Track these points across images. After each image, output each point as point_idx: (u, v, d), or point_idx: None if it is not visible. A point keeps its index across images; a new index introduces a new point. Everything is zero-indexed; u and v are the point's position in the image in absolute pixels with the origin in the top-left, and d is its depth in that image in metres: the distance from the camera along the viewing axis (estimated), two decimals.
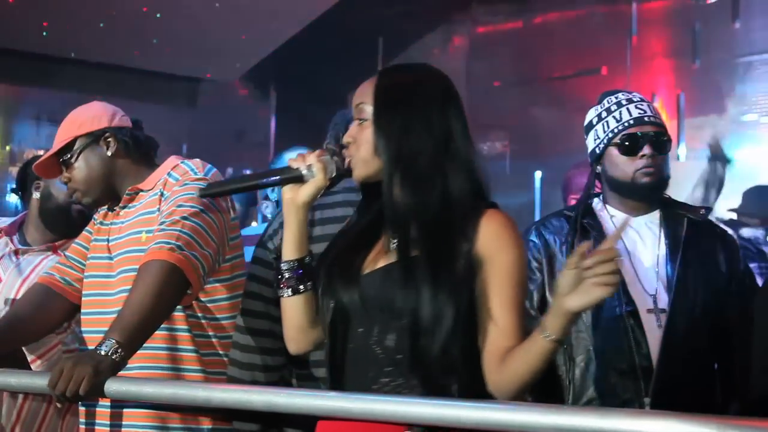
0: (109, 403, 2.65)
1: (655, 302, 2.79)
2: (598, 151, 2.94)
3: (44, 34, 8.29)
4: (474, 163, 2.19)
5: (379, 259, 2.18)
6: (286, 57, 8.94)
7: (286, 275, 2.21)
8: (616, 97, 2.96)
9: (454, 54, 8.55)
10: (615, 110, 2.92)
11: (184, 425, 2.65)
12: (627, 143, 2.84)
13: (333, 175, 2.20)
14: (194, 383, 2.58)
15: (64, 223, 3.28)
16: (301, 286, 2.21)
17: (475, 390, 2.07)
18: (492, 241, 2.11)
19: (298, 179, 2.17)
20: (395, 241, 2.15)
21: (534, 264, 2.92)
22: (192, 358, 2.66)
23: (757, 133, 7.38)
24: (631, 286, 2.79)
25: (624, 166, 2.86)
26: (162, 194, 2.68)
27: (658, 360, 2.69)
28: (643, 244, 2.90)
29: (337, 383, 2.18)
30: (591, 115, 3.00)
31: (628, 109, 2.90)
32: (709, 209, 3.18)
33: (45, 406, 3.09)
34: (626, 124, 2.86)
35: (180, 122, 8.93)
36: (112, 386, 2.29)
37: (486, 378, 2.09)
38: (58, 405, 2.64)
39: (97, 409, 2.70)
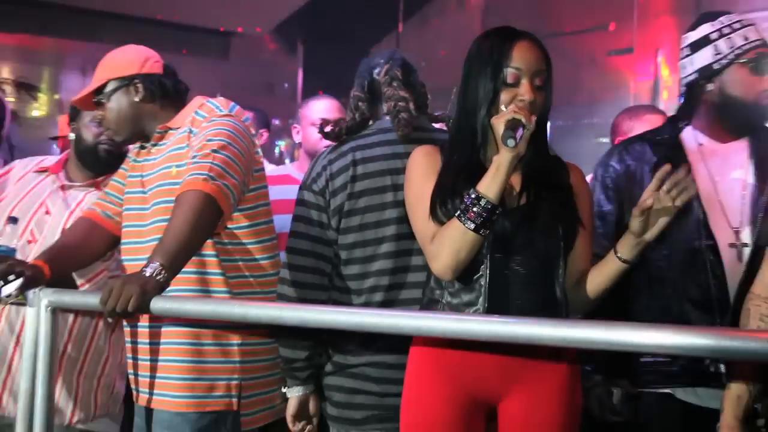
0: (148, 324, 2.74)
1: (737, 236, 2.63)
2: (717, 66, 2.65)
3: None
4: None
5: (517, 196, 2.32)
6: (312, 13, 8.90)
7: (485, 214, 2.15)
8: (736, 17, 2.69)
9: (470, 10, 8.47)
10: (740, 29, 2.65)
11: (216, 341, 2.72)
12: (758, 63, 2.61)
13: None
14: (231, 301, 2.64)
15: (94, 162, 3.27)
16: (489, 227, 2.19)
17: None
18: (578, 186, 2.38)
19: (517, 126, 2.14)
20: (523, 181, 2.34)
21: (611, 187, 2.80)
22: (219, 280, 2.71)
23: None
24: (713, 219, 2.63)
25: (749, 86, 2.63)
26: (191, 131, 2.72)
27: (735, 294, 2.54)
28: (732, 173, 2.70)
29: (496, 305, 2.26)
30: (705, 30, 2.70)
31: (753, 30, 2.66)
32: None
33: (93, 325, 3.14)
34: (757, 44, 2.63)
35: (214, 74, 8.84)
36: (156, 304, 2.34)
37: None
38: (109, 320, 2.69)
39: (139, 329, 2.78)
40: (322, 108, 3.82)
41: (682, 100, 2.85)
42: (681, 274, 2.64)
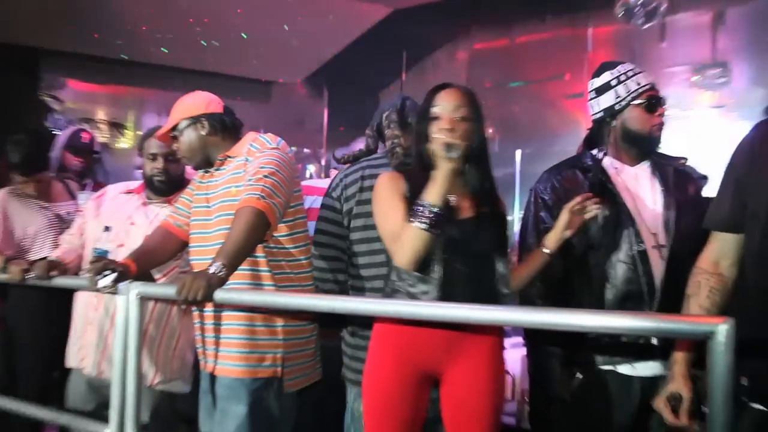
0: (212, 309, 2.74)
1: (656, 239, 2.59)
2: (618, 107, 2.67)
3: (163, 50, 8.34)
4: None
5: (459, 211, 2.38)
6: (334, 66, 8.89)
7: (431, 215, 2.21)
8: (629, 66, 2.72)
9: (458, 64, 8.46)
10: (632, 76, 2.68)
11: (265, 323, 2.72)
12: (649, 103, 2.64)
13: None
14: (276, 293, 2.67)
15: (153, 189, 3.30)
16: (436, 227, 2.23)
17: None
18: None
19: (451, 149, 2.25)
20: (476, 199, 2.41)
21: (551, 206, 2.69)
22: (267, 276, 2.70)
23: (677, 124, 7.29)
24: (639, 227, 2.60)
25: (644, 122, 2.64)
26: (247, 160, 2.73)
27: (661, 286, 2.53)
28: (643, 189, 2.68)
29: (446, 295, 2.28)
30: (606, 78, 2.72)
31: (643, 76, 2.69)
32: (686, 158, 2.88)
33: (168, 310, 3.16)
34: (647, 87, 2.66)
35: (259, 114, 8.96)
36: (219, 294, 2.39)
37: None
38: (182, 307, 2.70)
39: (206, 313, 2.79)
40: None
41: (590, 132, 2.84)
42: (619, 273, 2.58)
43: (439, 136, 2.28)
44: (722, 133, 6.53)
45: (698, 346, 2.17)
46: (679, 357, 2.24)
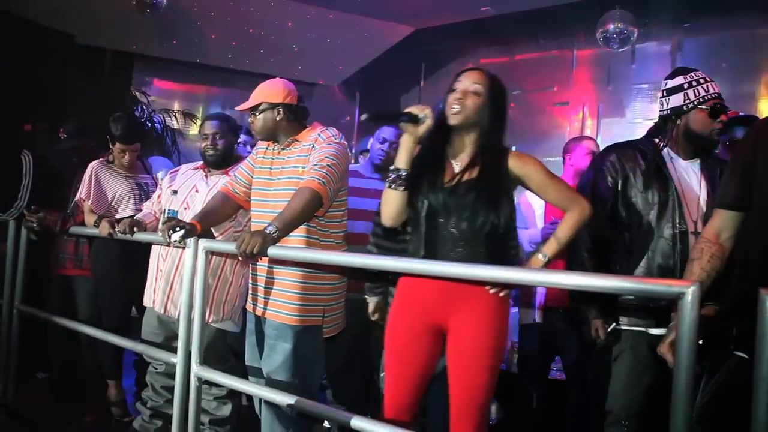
0: (266, 264, 2.69)
1: (695, 226, 2.46)
2: (685, 108, 2.51)
3: (229, 56, 8.34)
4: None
5: (454, 177, 2.19)
6: (364, 73, 8.83)
7: (394, 176, 2.17)
8: (701, 74, 2.54)
9: None
10: (703, 83, 2.50)
11: (313, 280, 2.65)
12: (714, 109, 2.48)
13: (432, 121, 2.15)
14: (319, 251, 2.59)
15: (206, 163, 3.26)
16: (404, 187, 2.16)
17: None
18: (516, 166, 2.17)
19: (416, 120, 2.13)
20: (463, 166, 2.19)
21: (609, 178, 2.57)
22: (316, 242, 2.64)
23: (642, 131, 7.21)
24: (684, 211, 2.47)
25: (706, 125, 2.49)
26: (313, 146, 2.66)
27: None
28: (691, 182, 2.53)
29: (430, 253, 2.17)
30: (679, 81, 2.54)
31: (713, 85, 2.51)
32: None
33: (222, 262, 3.10)
34: (714, 96, 2.49)
35: None
36: (272, 250, 2.35)
37: None
38: (240, 259, 2.65)
39: (258, 266, 2.73)
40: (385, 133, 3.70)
41: (655, 125, 2.67)
42: (659, 246, 2.47)
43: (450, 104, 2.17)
44: None
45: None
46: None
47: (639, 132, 7.05)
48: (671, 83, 2.58)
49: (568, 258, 2.63)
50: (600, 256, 2.56)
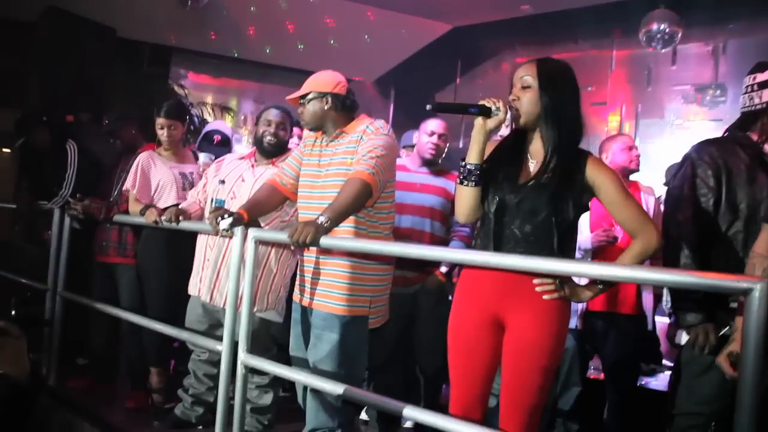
0: (314, 254, 2.69)
1: None
2: None
3: (267, 50, 8.37)
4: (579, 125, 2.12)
5: (527, 175, 2.11)
6: (399, 71, 8.85)
7: (466, 172, 2.10)
8: None
9: (502, 74, 8.27)
10: None
11: (360, 270, 2.65)
12: None
13: (508, 118, 2.08)
14: (371, 241, 2.60)
15: (261, 151, 3.28)
16: (475, 182, 2.10)
17: None
18: (593, 172, 2.05)
19: (488, 113, 2.06)
20: (538, 165, 2.09)
21: (710, 172, 2.36)
22: (363, 233, 2.64)
23: (681, 133, 7.20)
24: None
25: None
26: (361, 138, 2.67)
27: None
28: None
29: (496, 246, 2.10)
30: None
31: None
32: None
33: (267, 253, 3.11)
34: None
35: None
36: (324, 240, 2.37)
37: None
38: (292, 248, 2.67)
39: (306, 257, 2.74)
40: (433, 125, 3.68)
41: (743, 118, 2.49)
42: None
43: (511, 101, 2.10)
44: None
45: None
46: (740, 321, 2.06)
47: (678, 134, 7.09)
48: (761, 77, 2.42)
49: (666, 257, 2.42)
50: (703, 255, 2.37)
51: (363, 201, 2.54)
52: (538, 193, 2.05)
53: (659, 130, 7.27)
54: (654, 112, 7.39)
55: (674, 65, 7.26)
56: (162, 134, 3.71)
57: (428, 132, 3.49)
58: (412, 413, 2.09)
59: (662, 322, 4.39)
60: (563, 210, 2.04)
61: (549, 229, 2.04)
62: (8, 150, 7.69)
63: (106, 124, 4.11)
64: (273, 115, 3.26)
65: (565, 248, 2.08)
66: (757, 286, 1.48)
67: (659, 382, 4.44)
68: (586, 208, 2.13)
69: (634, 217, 2.04)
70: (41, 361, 3.96)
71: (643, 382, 4.30)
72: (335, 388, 2.32)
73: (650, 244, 2.01)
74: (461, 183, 2.12)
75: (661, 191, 4.67)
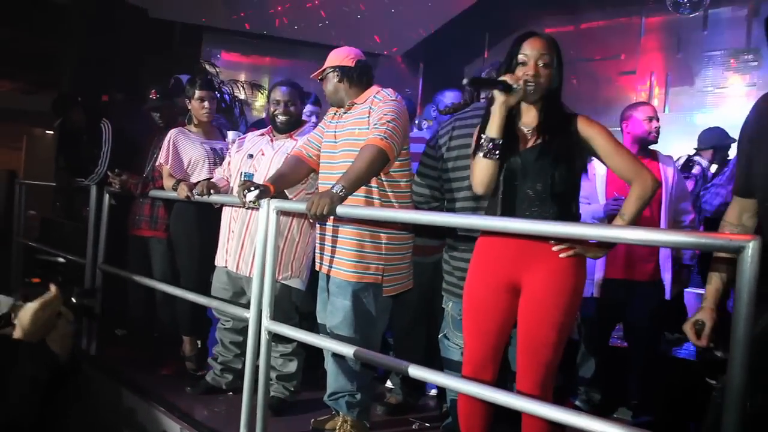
0: (331, 223, 2.79)
1: None
2: None
3: (295, 27, 8.43)
4: None
5: (525, 142, 2.19)
6: (427, 44, 8.83)
7: (490, 146, 2.14)
8: None
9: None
10: None
11: (372, 239, 2.75)
12: None
13: (523, 94, 2.14)
14: (387, 209, 2.70)
15: (275, 127, 3.35)
16: (498, 155, 2.14)
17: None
18: (584, 129, 2.14)
19: (510, 89, 2.12)
20: (535, 132, 2.19)
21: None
22: (377, 203, 2.72)
23: (713, 99, 7.08)
24: None
25: None
26: (371, 108, 2.74)
27: None
28: None
29: (506, 213, 2.18)
30: None
31: None
32: None
33: (290, 223, 3.18)
34: None
35: None
36: (341, 209, 2.42)
37: None
38: (310, 220, 2.75)
39: (325, 225, 2.85)
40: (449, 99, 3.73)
41: None
42: None
43: (524, 78, 2.14)
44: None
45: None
46: (709, 292, 2.10)
47: (710, 101, 6.97)
48: None
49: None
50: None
51: (380, 166, 2.61)
52: (543, 153, 2.15)
53: (690, 98, 7.17)
54: (685, 79, 7.28)
55: (705, 30, 7.14)
56: (201, 107, 3.76)
57: (445, 106, 3.52)
58: (419, 372, 2.14)
59: (696, 292, 4.35)
60: (569, 166, 2.14)
61: (560, 183, 2.13)
62: (51, 132, 7.90)
63: (150, 100, 4.19)
64: (280, 93, 3.30)
65: (570, 206, 2.18)
66: (749, 244, 1.50)
67: (686, 351, 4.42)
68: (585, 166, 2.21)
69: (628, 164, 2.14)
70: (82, 335, 4.14)
71: (670, 353, 4.28)
72: (349, 352, 2.38)
73: (646, 186, 2.11)
74: (485, 156, 2.15)
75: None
